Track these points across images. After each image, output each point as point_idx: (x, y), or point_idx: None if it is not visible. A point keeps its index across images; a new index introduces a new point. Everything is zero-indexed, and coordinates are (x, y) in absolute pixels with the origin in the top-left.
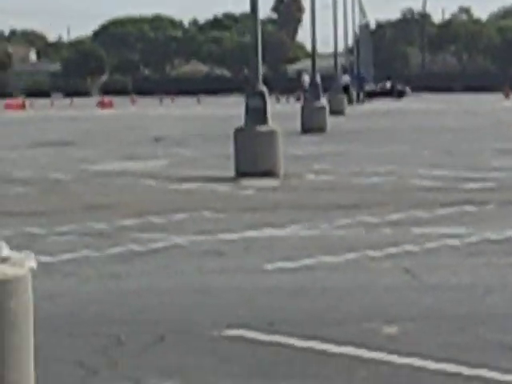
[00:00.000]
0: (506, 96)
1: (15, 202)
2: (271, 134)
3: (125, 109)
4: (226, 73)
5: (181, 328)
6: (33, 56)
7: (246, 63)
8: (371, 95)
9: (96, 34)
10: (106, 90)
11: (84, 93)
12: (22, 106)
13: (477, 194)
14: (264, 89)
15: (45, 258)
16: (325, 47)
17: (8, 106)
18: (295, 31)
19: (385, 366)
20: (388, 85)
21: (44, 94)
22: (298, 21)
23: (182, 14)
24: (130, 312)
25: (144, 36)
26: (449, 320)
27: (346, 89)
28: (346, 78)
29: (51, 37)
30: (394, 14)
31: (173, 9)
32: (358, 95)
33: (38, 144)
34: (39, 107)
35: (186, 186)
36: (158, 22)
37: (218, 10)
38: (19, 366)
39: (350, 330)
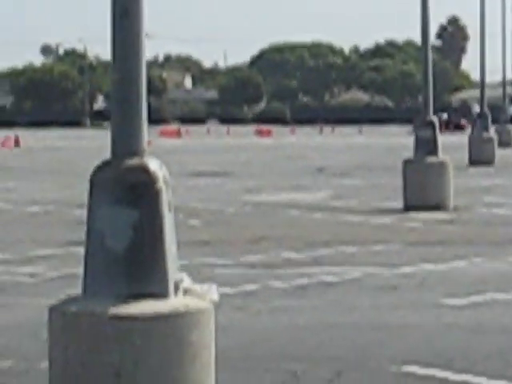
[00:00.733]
0: None
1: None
2: (442, 166)
3: (284, 138)
4: (388, 102)
5: (358, 364)
6: (188, 82)
7: (408, 92)
8: None
9: (253, 60)
10: (263, 118)
11: (240, 120)
12: (178, 133)
13: None
14: (434, 119)
15: None
16: (491, 76)
17: (163, 133)
18: (459, 60)
19: None
20: None
21: (199, 120)
22: (463, 49)
23: (342, 40)
24: (305, 347)
25: (303, 63)
26: None
27: None
28: None
29: (207, 63)
30: None
31: (333, 35)
32: None
33: (197, 173)
34: (195, 134)
35: (352, 217)
36: (317, 48)
37: (380, 37)
38: None
39: None
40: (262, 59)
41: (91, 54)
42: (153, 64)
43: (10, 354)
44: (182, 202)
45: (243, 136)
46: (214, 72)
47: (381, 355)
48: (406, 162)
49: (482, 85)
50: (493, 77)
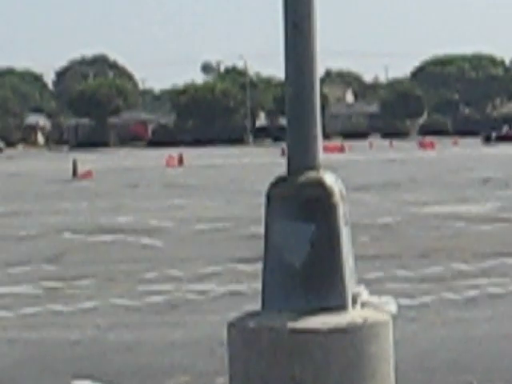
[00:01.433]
0: None
1: None
2: None
3: (446, 150)
4: None
5: None
6: (349, 97)
7: None
8: None
9: (414, 73)
10: (425, 131)
11: (402, 134)
12: (341, 148)
13: None
14: None
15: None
16: None
17: (326, 149)
18: None
19: None
20: None
21: (361, 135)
22: None
23: (504, 51)
24: (479, 359)
25: (464, 75)
26: None
27: None
28: None
29: (368, 77)
30: None
31: (494, 46)
32: None
33: (361, 187)
34: (357, 149)
35: None
36: (478, 60)
37: None
38: None
39: None
40: (422, 72)
41: (252, 70)
42: None
43: (187, 371)
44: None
45: (406, 149)
46: (375, 86)
47: None
48: None
49: None
50: None
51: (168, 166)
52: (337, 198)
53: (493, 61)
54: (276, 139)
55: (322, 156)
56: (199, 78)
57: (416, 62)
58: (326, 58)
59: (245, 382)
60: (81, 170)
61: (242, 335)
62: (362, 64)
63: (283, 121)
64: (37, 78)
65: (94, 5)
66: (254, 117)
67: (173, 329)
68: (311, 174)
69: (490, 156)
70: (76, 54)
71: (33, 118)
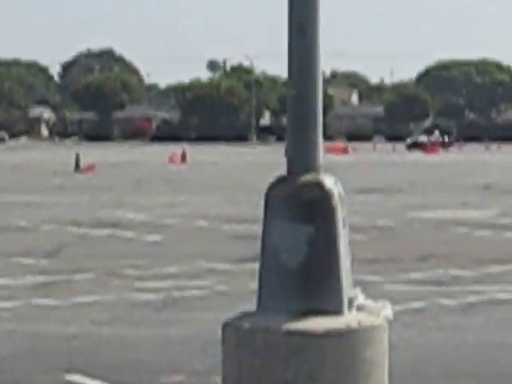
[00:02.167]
0: None
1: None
2: None
3: (450, 154)
4: None
5: None
6: (354, 99)
7: None
8: None
9: (420, 77)
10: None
11: (406, 137)
12: (345, 150)
13: None
14: None
15: None
16: None
17: (330, 150)
18: None
19: None
20: None
21: (365, 137)
22: None
23: (510, 57)
24: (476, 365)
25: (470, 80)
26: None
27: None
28: None
29: (373, 79)
30: None
31: (500, 52)
32: None
33: (363, 190)
34: (361, 151)
35: None
36: (484, 65)
37: None
38: None
39: None
40: (428, 76)
41: (258, 69)
42: None
43: (181, 369)
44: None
45: (409, 153)
46: (380, 88)
47: None
48: None
49: None
50: None
51: (171, 162)
52: (336, 200)
53: (499, 66)
54: (280, 138)
55: (322, 158)
56: (205, 75)
57: (422, 66)
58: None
59: (238, 382)
60: (84, 163)
61: (237, 335)
62: (368, 66)
63: None
64: (42, 70)
65: None
66: (258, 115)
67: (168, 326)
68: (311, 176)
69: (493, 162)
70: (82, 47)
71: (37, 110)
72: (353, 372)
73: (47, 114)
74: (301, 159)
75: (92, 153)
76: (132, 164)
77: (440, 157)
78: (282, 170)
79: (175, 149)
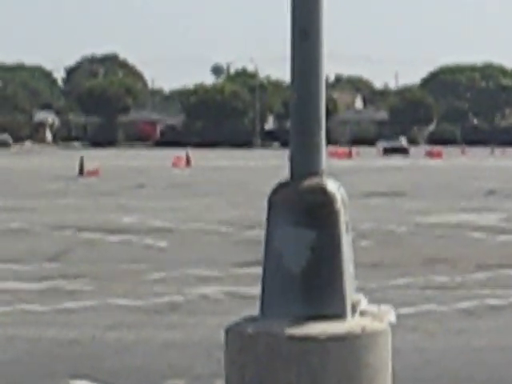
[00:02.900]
0: None
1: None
2: None
3: (454, 159)
4: None
5: None
6: (358, 103)
7: None
8: None
9: (424, 81)
10: (433, 139)
11: (410, 141)
12: (349, 154)
13: None
14: None
15: None
16: None
17: (333, 154)
18: None
19: None
20: None
21: (369, 141)
22: None
23: None
24: (480, 370)
25: (474, 84)
26: None
27: None
28: None
29: (378, 84)
30: None
31: (504, 57)
32: None
33: (367, 194)
34: (365, 155)
35: None
36: (488, 70)
37: None
38: None
39: None
40: (432, 80)
41: (262, 73)
42: None
43: (184, 373)
44: (352, 222)
45: (414, 157)
46: (384, 93)
47: None
48: None
49: None
50: None
51: (175, 166)
52: (339, 204)
53: (503, 71)
54: (284, 143)
55: (325, 162)
56: (209, 80)
57: (426, 70)
58: (337, 63)
59: None
60: (88, 167)
61: (240, 340)
62: (373, 70)
63: None
64: (46, 75)
65: (106, 3)
66: (262, 120)
67: (172, 330)
68: (314, 180)
69: (497, 167)
70: (86, 52)
71: (42, 115)
72: (356, 377)
73: (51, 118)
74: (304, 163)
75: (96, 157)
76: (136, 168)
77: (444, 161)
78: (286, 175)
79: (179, 153)
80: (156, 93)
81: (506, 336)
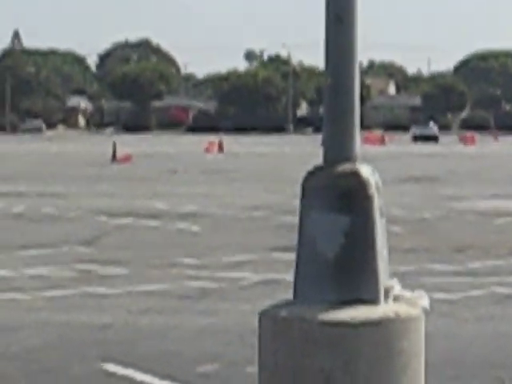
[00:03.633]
0: None
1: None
2: None
3: (487, 145)
4: None
5: None
6: (391, 89)
7: None
8: None
9: (457, 67)
10: (467, 126)
11: (443, 127)
12: (382, 140)
13: None
14: None
15: None
16: None
17: (367, 140)
18: None
19: None
20: None
21: (402, 127)
22: None
23: None
24: (509, 355)
25: (506, 70)
26: None
27: None
28: None
29: (410, 69)
30: None
31: None
32: None
33: (400, 180)
34: (398, 141)
35: None
36: None
37: None
38: None
39: None
40: (466, 67)
41: (295, 60)
42: None
43: (217, 359)
44: (386, 208)
45: (447, 144)
46: (417, 79)
47: None
48: None
49: None
50: None
51: (207, 152)
52: (373, 189)
53: None
54: (317, 129)
55: (359, 147)
56: (242, 66)
57: (459, 56)
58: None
59: (274, 371)
60: (120, 153)
61: (273, 325)
62: (406, 56)
63: None
64: (79, 60)
65: None
66: (295, 106)
67: (204, 316)
68: (347, 165)
69: None
70: (120, 38)
71: (74, 100)
72: (389, 363)
73: (84, 103)
74: (337, 149)
75: (129, 143)
76: (168, 154)
77: (477, 147)
78: (319, 161)
79: (212, 139)
80: (189, 78)
81: None
